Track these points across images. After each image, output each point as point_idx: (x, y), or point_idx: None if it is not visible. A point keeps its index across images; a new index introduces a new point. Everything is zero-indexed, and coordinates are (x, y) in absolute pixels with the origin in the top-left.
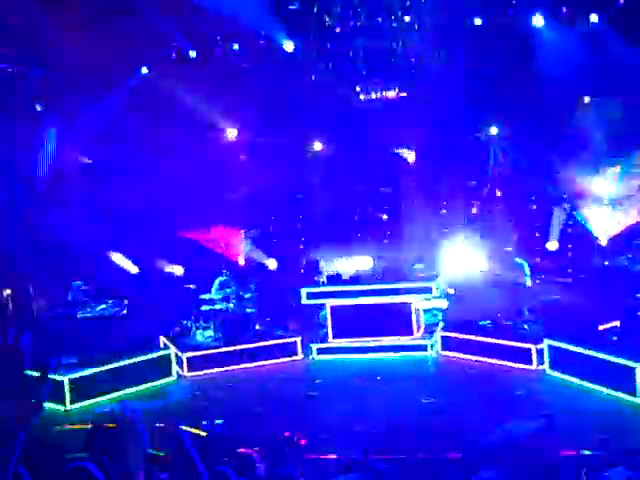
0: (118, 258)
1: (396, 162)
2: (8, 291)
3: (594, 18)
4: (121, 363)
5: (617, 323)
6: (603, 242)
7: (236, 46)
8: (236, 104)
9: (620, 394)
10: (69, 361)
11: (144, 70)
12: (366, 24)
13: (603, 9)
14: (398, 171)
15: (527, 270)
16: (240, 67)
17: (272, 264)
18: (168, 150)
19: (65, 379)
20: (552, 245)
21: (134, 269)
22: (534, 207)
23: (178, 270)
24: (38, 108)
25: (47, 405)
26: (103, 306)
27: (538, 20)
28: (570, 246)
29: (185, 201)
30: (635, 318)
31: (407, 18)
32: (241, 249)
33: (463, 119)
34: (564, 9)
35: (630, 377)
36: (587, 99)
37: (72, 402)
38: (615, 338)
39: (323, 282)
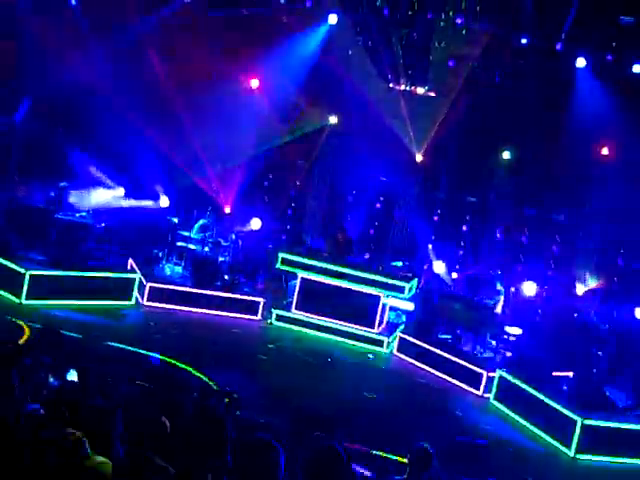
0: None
1: (402, 157)
2: None
3: None
4: (85, 274)
5: (570, 374)
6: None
7: None
8: (262, 56)
9: (555, 442)
10: (38, 257)
11: None
12: (416, 15)
13: None
14: (403, 166)
15: (501, 298)
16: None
17: (256, 224)
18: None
19: (27, 274)
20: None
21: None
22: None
23: (164, 202)
24: None
25: (2, 293)
26: (84, 214)
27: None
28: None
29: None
30: (589, 374)
31: (458, 20)
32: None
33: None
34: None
35: (570, 429)
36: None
37: (27, 297)
38: (565, 388)
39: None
